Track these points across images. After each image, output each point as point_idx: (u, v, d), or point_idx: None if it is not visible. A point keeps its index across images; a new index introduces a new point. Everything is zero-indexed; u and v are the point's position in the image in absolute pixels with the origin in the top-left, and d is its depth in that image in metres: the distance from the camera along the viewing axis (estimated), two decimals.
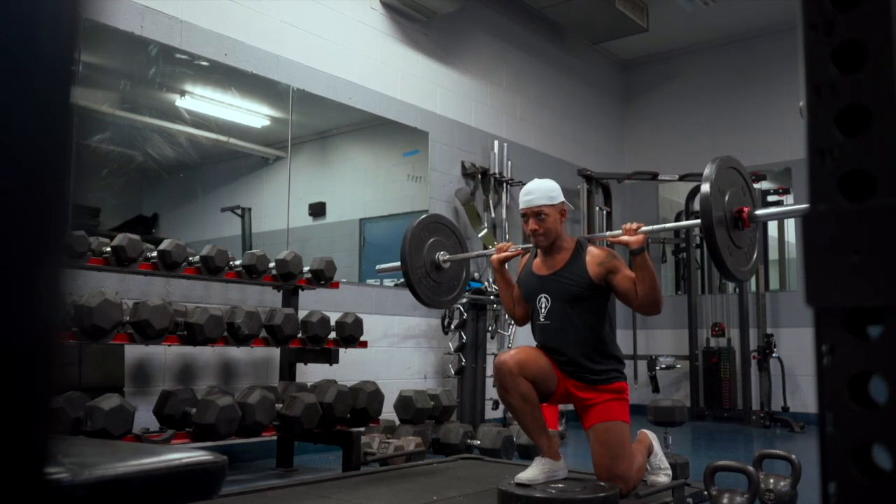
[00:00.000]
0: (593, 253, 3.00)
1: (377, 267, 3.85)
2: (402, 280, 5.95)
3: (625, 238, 2.86)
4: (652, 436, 3.26)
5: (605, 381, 2.97)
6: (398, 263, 3.36)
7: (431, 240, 3.44)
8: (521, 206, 3.03)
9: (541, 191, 3.02)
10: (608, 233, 2.99)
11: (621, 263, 2.97)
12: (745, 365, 7.18)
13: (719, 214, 2.42)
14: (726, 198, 2.45)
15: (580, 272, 2.97)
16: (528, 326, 3.20)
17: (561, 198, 3.05)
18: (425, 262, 3.39)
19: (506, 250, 3.20)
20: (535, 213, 2.98)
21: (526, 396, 2.91)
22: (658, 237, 8.20)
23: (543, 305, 3.02)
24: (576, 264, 2.99)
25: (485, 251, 3.40)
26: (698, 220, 2.45)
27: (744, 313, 7.24)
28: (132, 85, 4.47)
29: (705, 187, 2.39)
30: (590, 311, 2.98)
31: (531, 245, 3.15)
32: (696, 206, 7.87)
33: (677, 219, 8.29)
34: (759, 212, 2.53)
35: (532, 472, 2.85)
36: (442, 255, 3.44)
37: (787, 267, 8.11)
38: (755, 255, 2.66)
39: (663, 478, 3.14)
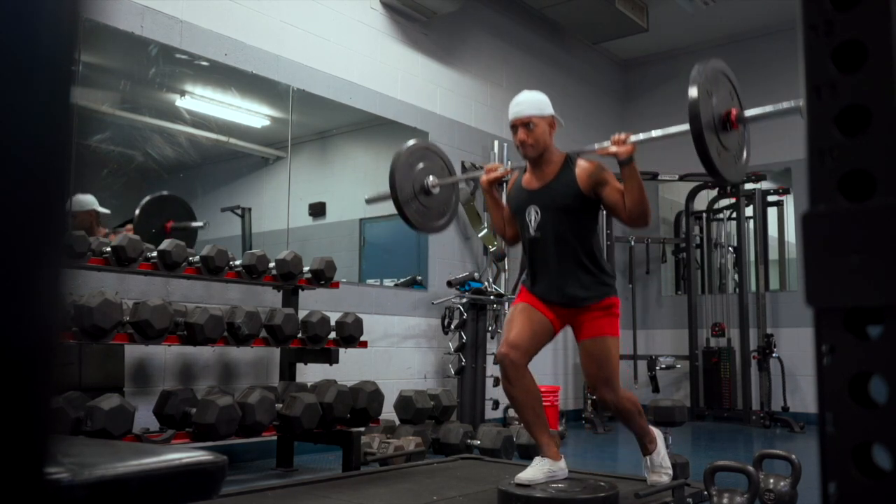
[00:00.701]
0: (582, 165, 3.00)
1: (366, 197, 3.79)
2: (402, 280, 5.99)
3: (613, 149, 2.85)
4: (658, 434, 3.25)
5: (596, 298, 2.96)
6: (387, 191, 3.32)
7: (420, 165, 3.41)
8: (510, 116, 3.02)
9: (530, 101, 3.02)
10: (596, 145, 2.97)
11: (610, 176, 2.97)
12: (745, 365, 7.18)
13: (707, 118, 2.41)
14: (713, 101, 2.44)
15: (570, 183, 2.96)
16: None
17: (550, 110, 3.04)
18: (414, 185, 3.36)
19: (495, 170, 3.19)
20: (524, 123, 2.98)
21: (528, 389, 2.94)
22: (658, 238, 8.19)
23: (533, 218, 3.01)
24: (565, 176, 2.99)
25: (474, 172, 3.37)
26: (686, 126, 2.45)
27: (744, 313, 7.24)
28: (132, 85, 4.47)
29: (693, 91, 2.39)
30: (579, 222, 2.98)
31: (520, 165, 3.16)
32: (695, 206, 7.87)
33: (677, 219, 8.30)
34: (747, 113, 2.53)
35: (532, 472, 2.85)
36: (431, 180, 3.41)
37: (787, 267, 8.11)
38: (744, 157, 2.67)
39: (664, 477, 3.14)
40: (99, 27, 4.13)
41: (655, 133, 2.85)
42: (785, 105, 2.44)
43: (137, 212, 4.24)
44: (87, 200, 3.92)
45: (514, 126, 3.01)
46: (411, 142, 3.54)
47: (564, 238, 2.95)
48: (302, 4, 5.23)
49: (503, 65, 7.05)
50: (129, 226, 4.18)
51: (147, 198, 4.33)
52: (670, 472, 3.18)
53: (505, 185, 3.39)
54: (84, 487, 0.70)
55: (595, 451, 5.68)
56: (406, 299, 5.84)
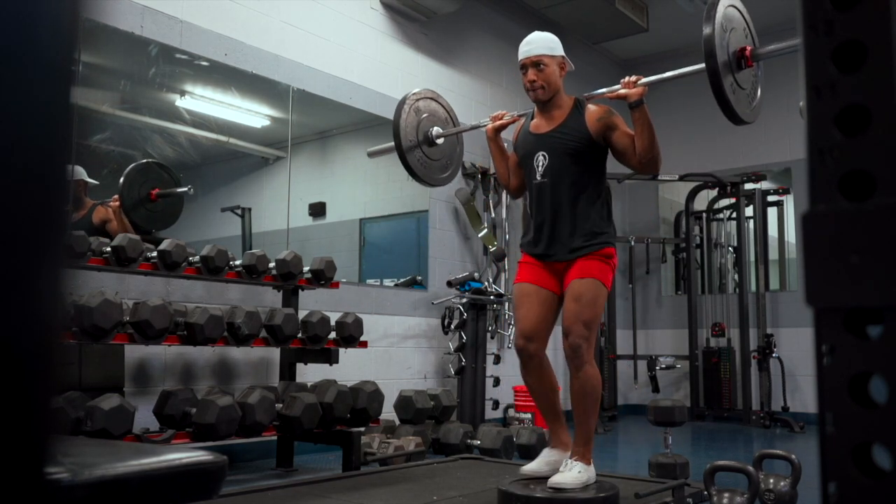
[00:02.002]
0: (592, 109, 2.93)
1: (368, 150, 3.74)
2: (402, 280, 5.99)
3: (623, 91, 2.80)
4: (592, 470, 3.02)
5: (596, 246, 2.86)
6: (391, 144, 3.27)
7: (425, 115, 3.35)
8: (520, 56, 2.95)
9: (540, 41, 2.95)
10: (605, 89, 2.93)
11: (620, 120, 2.92)
12: (745, 365, 7.18)
13: (723, 56, 2.37)
14: (728, 37, 2.40)
15: (579, 127, 2.90)
16: None
17: (561, 51, 2.97)
18: (418, 134, 3.30)
19: (500, 118, 3.12)
20: (534, 63, 2.91)
21: (543, 379, 2.91)
22: (658, 238, 8.19)
23: (541, 163, 2.94)
24: (574, 120, 2.92)
25: (480, 122, 3.31)
26: (701, 65, 2.42)
27: (744, 313, 7.24)
28: (132, 85, 4.47)
29: (707, 28, 2.35)
30: (588, 168, 2.90)
31: (526, 112, 3.09)
32: (695, 206, 7.87)
33: (677, 219, 8.30)
34: (761, 50, 2.49)
35: (536, 465, 2.84)
36: (435, 130, 3.36)
37: (787, 267, 8.11)
38: (758, 96, 2.61)
39: (572, 484, 2.82)
40: (99, 27, 4.13)
41: (668, 74, 2.80)
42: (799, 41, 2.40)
43: (122, 180, 4.20)
44: (76, 170, 3.90)
45: (524, 66, 2.94)
46: (416, 89, 3.48)
47: (571, 183, 2.88)
48: (302, 4, 5.23)
49: (503, 65, 7.05)
50: (116, 197, 4.17)
51: (129, 167, 4.28)
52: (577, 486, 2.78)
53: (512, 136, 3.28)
54: (84, 487, 0.70)
55: (595, 451, 5.68)
56: (406, 299, 5.84)
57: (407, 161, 3.26)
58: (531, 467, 2.83)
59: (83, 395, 3.15)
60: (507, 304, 6.27)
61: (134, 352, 3.95)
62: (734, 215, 7.79)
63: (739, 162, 7.86)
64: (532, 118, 3.07)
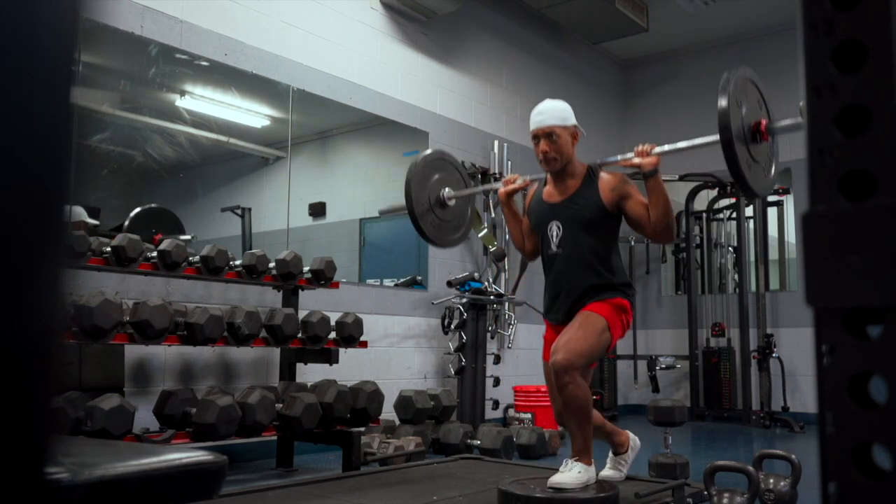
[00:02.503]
0: (605, 178, 2.92)
1: (380, 209, 3.73)
2: (402, 280, 5.98)
3: (637, 160, 2.77)
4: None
5: (607, 296, 2.86)
6: (402, 203, 3.26)
7: (436, 176, 3.33)
8: (532, 126, 2.93)
9: (552, 111, 2.93)
10: (619, 156, 2.91)
11: (634, 189, 2.90)
12: (745, 365, 7.18)
13: (737, 128, 2.34)
14: (743, 111, 2.39)
15: (593, 197, 2.89)
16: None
17: (573, 120, 2.95)
18: (429, 197, 3.29)
19: (513, 182, 3.11)
20: (547, 134, 2.89)
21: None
22: None
23: (555, 233, 2.94)
24: (588, 189, 2.91)
25: (492, 184, 3.29)
26: (716, 136, 2.40)
27: (744, 313, 7.24)
28: (132, 85, 4.47)
29: (723, 100, 2.33)
30: (602, 238, 2.90)
31: (539, 177, 3.08)
32: (695, 206, 7.87)
33: (677, 219, 8.30)
34: (777, 124, 2.48)
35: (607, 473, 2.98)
36: (447, 192, 3.34)
37: (787, 267, 8.11)
38: (773, 169, 2.61)
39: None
40: (99, 27, 4.13)
41: (682, 144, 2.78)
42: None
43: (126, 223, 4.24)
44: (76, 212, 3.92)
45: (536, 136, 2.92)
46: (427, 151, 3.47)
47: (586, 253, 2.89)
48: (302, 4, 5.23)
49: (503, 65, 7.05)
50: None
51: (136, 210, 4.32)
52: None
53: (524, 197, 3.29)
54: (84, 487, 0.70)
55: (595, 451, 5.67)
56: (406, 299, 5.84)
57: (421, 227, 3.27)
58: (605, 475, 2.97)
59: (83, 395, 3.15)
60: (507, 304, 6.27)
61: (134, 352, 3.95)
62: (734, 215, 7.79)
63: None
64: (545, 184, 3.06)
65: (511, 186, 3.11)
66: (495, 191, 3.19)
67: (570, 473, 2.74)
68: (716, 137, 2.38)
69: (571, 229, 2.91)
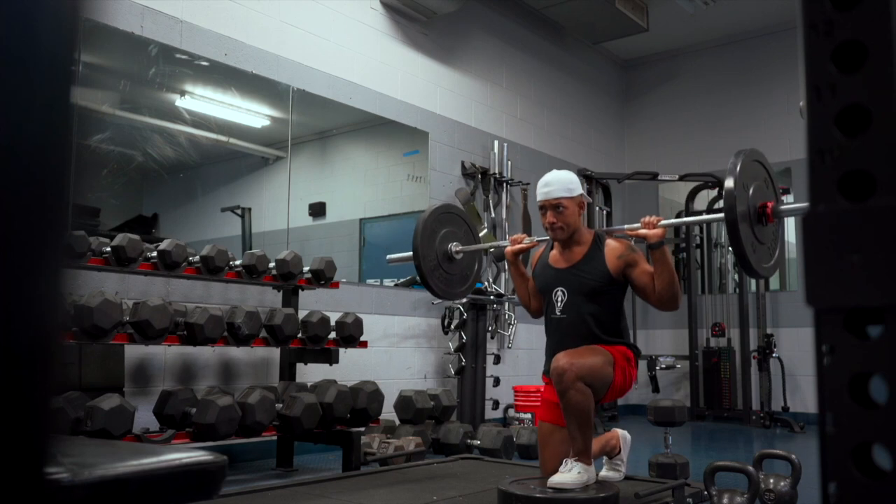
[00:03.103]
0: (612, 246, 2.96)
1: (388, 257, 3.76)
2: (402, 280, 5.98)
3: (643, 231, 2.81)
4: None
5: (611, 344, 2.90)
6: (409, 254, 3.28)
7: (443, 231, 3.35)
8: (539, 198, 2.97)
9: (559, 182, 2.96)
10: (626, 226, 2.93)
11: (640, 257, 2.94)
12: (745, 365, 7.18)
13: (743, 209, 2.35)
14: (750, 192, 2.40)
15: (599, 266, 2.93)
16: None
17: (580, 190, 2.99)
18: (437, 253, 3.31)
19: (520, 242, 3.14)
20: (554, 206, 2.93)
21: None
22: None
23: (560, 299, 2.97)
24: (594, 257, 2.95)
25: (499, 243, 3.32)
26: (721, 215, 2.41)
27: (744, 313, 7.24)
28: (132, 85, 4.47)
29: (729, 182, 2.33)
30: (607, 305, 2.94)
31: (546, 238, 3.10)
32: (695, 206, 7.87)
33: (677, 219, 8.30)
34: (783, 207, 2.49)
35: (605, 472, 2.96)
36: (454, 246, 3.36)
37: (787, 267, 8.11)
38: (777, 251, 2.62)
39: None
40: (99, 27, 4.13)
41: (687, 219, 2.84)
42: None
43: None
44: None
45: (543, 207, 2.96)
46: (434, 205, 3.49)
47: (590, 319, 2.92)
48: (302, 4, 5.23)
49: (503, 65, 7.05)
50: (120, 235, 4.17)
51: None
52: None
53: (529, 254, 3.31)
54: (84, 487, 0.70)
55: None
56: (406, 299, 5.84)
57: (429, 284, 3.28)
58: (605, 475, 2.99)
59: (83, 395, 3.15)
60: (507, 304, 6.27)
61: (134, 352, 3.95)
62: None
63: None
64: (551, 248, 3.10)
65: (518, 247, 3.14)
66: (502, 248, 3.22)
67: (570, 474, 2.74)
68: (721, 216, 2.38)
69: (576, 296, 2.94)
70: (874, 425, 0.50)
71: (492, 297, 5.67)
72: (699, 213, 8.05)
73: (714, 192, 7.89)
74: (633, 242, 3.01)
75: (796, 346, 7.24)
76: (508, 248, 3.17)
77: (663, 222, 2.81)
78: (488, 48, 6.91)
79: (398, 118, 5.94)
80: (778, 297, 7.65)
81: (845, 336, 0.52)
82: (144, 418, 3.64)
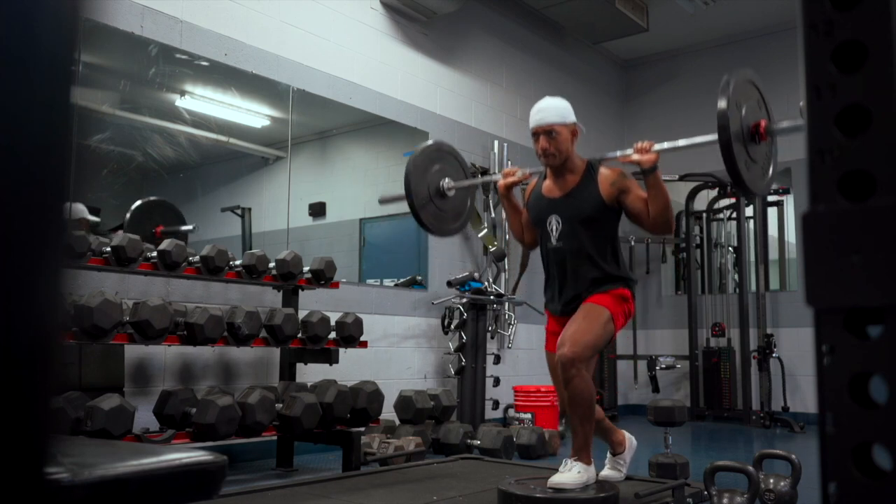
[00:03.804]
0: (605, 173, 2.95)
1: (380, 197, 3.72)
2: (402, 280, 5.98)
3: (636, 157, 2.81)
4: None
5: (609, 287, 2.89)
6: (402, 193, 3.27)
7: (436, 167, 3.35)
8: (532, 124, 2.96)
9: (552, 109, 2.95)
10: (619, 152, 2.93)
11: (633, 183, 2.93)
12: (745, 365, 7.18)
13: (736, 128, 2.37)
14: (742, 112, 2.41)
15: (592, 193, 2.92)
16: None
17: (573, 117, 2.98)
18: (429, 188, 3.30)
19: (512, 175, 3.14)
20: (546, 132, 2.92)
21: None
22: (658, 238, 8.19)
23: (555, 228, 2.97)
24: (587, 185, 2.94)
25: (492, 176, 3.31)
26: (714, 136, 2.41)
27: (744, 313, 7.24)
28: (132, 85, 4.47)
29: (722, 101, 2.35)
30: (602, 232, 2.93)
31: (538, 170, 3.10)
32: (695, 206, 7.87)
33: (677, 219, 8.30)
34: (776, 125, 2.50)
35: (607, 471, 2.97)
36: (446, 183, 3.35)
37: (787, 267, 8.11)
38: (771, 169, 2.63)
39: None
40: (99, 27, 4.13)
41: (681, 142, 2.81)
42: None
43: (127, 217, 4.24)
44: (77, 209, 3.92)
45: (536, 134, 2.95)
46: (427, 142, 3.48)
47: (586, 247, 2.91)
48: (302, 4, 5.23)
49: (503, 65, 7.05)
50: (120, 232, 4.18)
51: (137, 203, 4.34)
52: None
53: (523, 190, 3.32)
54: (84, 487, 0.70)
55: (595, 450, 5.70)
56: (406, 299, 5.84)
57: (421, 218, 3.28)
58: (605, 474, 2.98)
59: (83, 395, 3.15)
60: (507, 304, 6.27)
61: (134, 352, 3.95)
62: (734, 215, 7.79)
63: None
64: (544, 178, 3.09)
65: (510, 179, 3.14)
66: (495, 183, 3.19)
67: (570, 473, 2.74)
68: (714, 137, 2.39)
69: (571, 224, 2.94)
70: (874, 425, 0.50)
71: (492, 297, 5.67)
72: (699, 213, 8.05)
73: (714, 192, 7.89)
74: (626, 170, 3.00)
75: (796, 346, 7.24)
76: (500, 182, 3.16)
77: (656, 147, 2.81)
78: (488, 48, 6.91)
79: (398, 118, 5.94)
80: (778, 297, 7.65)
81: (845, 336, 0.52)
82: (144, 418, 3.64)
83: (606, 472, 3.10)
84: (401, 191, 3.25)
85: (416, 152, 3.31)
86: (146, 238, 4.20)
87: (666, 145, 2.83)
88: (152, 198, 4.45)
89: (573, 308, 2.92)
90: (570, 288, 2.95)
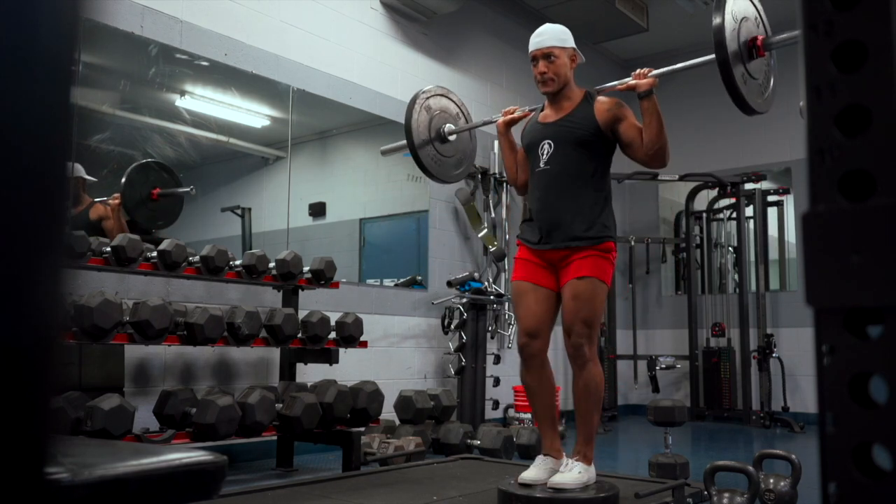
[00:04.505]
0: (601, 101, 2.94)
1: (382, 148, 3.72)
2: (402, 280, 5.99)
3: (633, 81, 2.82)
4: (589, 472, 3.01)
5: (595, 240, 2.81)
6: (404, 142, 3.25)
7: (437, 112, 3.34)
8: (531, 48, 2.95)
9: (551, 32, 2.95)
10: (617, 81, 2.95)
11: (629, 112, 2.92)
12: (745, 365, 7.18)
13: (733, 45, 2.33)
14: (739, 27, 2.39)
15: (587, 117, 2.90)
16: None
17: (572, 43, 2.97)
18: (430, 131, 3.29)
19: (512, 113, 3.13)
20: (545, 55, 2.91)
21: (543, 380, 2.89)
22: (658, 238, 8.19)
23: (546, 151, 2.92)
24: (583, 110, 2.92)
25: (492, 117, 3.30)
26: (711, 56, 2.40)
27: (744, 313, 7.24)
28: (132, 85, 4.46)
29: (717, 18, 2.33)
30: (593, 159, 2.88)
31: (537, 107, 3.09)
32: (695, 206, 7.87)
33: (677, 219, 8.30)
34: (773, 38, 2.47)
35: (534, 472, 2.82)
36: (447, 127, 3.33)
37: (787, 267, 8.11)
38: (771, 86, 2.60)
39: (573, 483, 2.89)
40: (99, 27, 4.13)
41: (678, 65, 2.83)
42: None
43: (123, 180, 4.23)
44: (75, 168, 3.92)
45: (535, 58, 2.93)
46: (428, 86, 3.47)
47: (575, 171, 2.86)
48: (302, 4, 5.23)
49: (503, 65, 7.05)
50: (117, 195, 4.18)
51: (132, 165, 4.31)
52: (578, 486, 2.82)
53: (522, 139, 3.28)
54: (84, 487, 0.70)
55: (595, 450, 5.70)
56: (406, 299, 5.84)
57: (420, 159, 3.26)
58: (529, 475, 2.79)
59: (83, 395, 3.15)
60: (507, 304, 6.27)
61: (134, 352, 3.95)
62: (734, 215, 7.79)
63: (739, 162, 7.86)
64: (542, 110, 3.08)
65: (510, 117, 3.13)
66: (494, 121, 3.19)
67: (571, 474, 2.74)
68: (712, 57, 2.38)
69: (562, 146, 2.89)
70: (874, 425, 0.50)
71: (492, 297, 5.67)
72: (699, 213, 8.05)
73: (714, 192, 7.89)
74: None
75: (796, 346, 7.24)
76: (500, 120, 3.15)
77: (654, 72, 2.82)
78: (488, 48, 6.91)
79: (398, 118, 5.91)
80: (778, 297, 7.65)
81: (845, 336, 0.52)
82: (144, 418, 3.64)
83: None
84: (403, 141, 3.23)
85: (417, 94, 3.30)
86: (144, 201, 4.20)
87: (664, 69, 2.86)
88: (149, 160, 4.42)
89: (552, 243, 2.84)
90: (554, 218, 2.84)
